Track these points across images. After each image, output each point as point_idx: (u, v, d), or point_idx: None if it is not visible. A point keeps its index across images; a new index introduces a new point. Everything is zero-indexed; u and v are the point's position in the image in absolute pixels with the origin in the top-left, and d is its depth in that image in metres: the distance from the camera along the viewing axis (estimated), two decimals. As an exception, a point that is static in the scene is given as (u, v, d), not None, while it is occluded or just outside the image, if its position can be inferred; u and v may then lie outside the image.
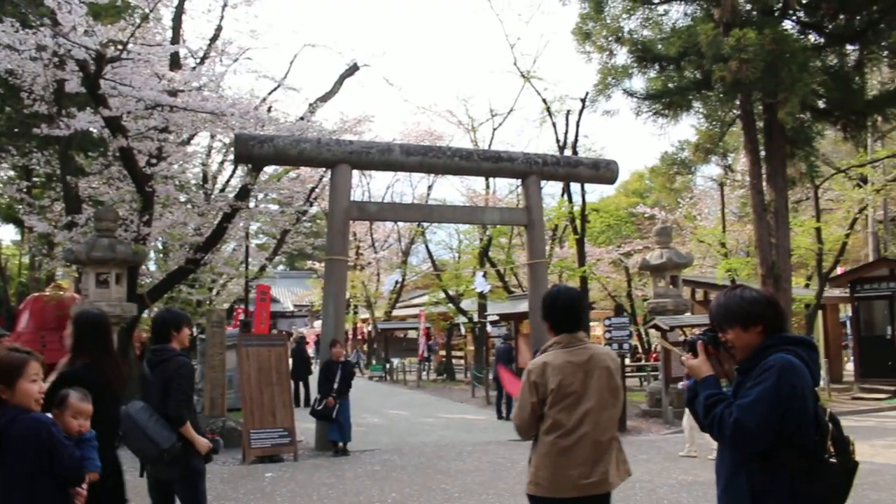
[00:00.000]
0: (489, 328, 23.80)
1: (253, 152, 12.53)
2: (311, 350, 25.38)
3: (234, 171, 19.48)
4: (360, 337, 39.35)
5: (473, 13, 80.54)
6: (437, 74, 79.64)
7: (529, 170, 14.13)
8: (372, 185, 30.76)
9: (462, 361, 30.98)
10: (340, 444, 11.70)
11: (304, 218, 21.67)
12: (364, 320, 37.32)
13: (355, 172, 22.46)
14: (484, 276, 21.77)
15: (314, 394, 12.55)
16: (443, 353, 30.53)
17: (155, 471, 5.09)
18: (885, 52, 14.87)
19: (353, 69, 17.50)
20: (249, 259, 20.05)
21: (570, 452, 3.92)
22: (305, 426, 12.87)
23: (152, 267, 19.62)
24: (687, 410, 11.13)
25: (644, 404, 16.12)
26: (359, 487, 9.22)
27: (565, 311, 4.05)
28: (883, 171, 24.39)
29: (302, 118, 14.99)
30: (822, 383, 17.83)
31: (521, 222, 15.02)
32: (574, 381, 3.95)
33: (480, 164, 14.15)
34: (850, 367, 22.49)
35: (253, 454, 10.97)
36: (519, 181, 15.72)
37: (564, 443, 3.93)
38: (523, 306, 15.69)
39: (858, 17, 14.67)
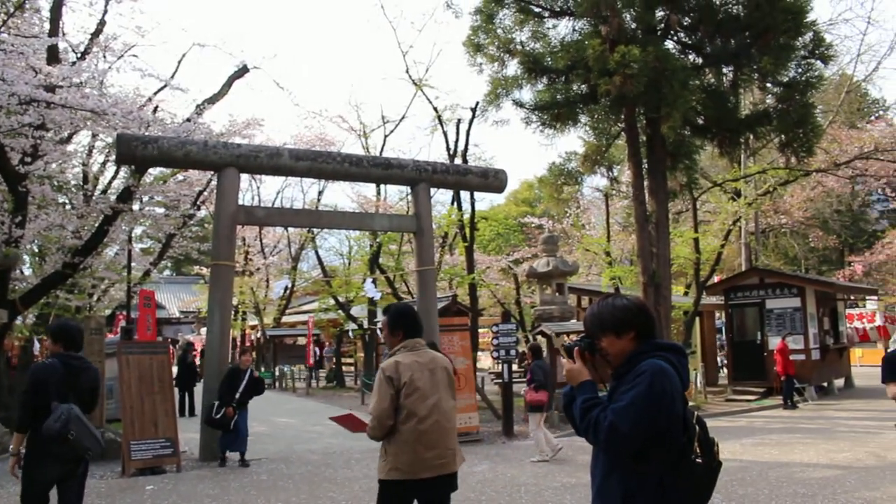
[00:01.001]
0: (379, 335, 23.75)
1: (136, 153, 12.10)
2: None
3: (116, 173, 18.75)
4: (248, 344, 38.54)
5: (366, 20, 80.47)
6: (330, 79, 79.14)
7: (419, 177, 14.20)
8: (262, 190, 30.29)
9: (352, 368, 30.82)
10: (239, 455, 11.30)
11: (191, 222, 21.01)
12: (253, 327, 36.60)
13: (245, 176, 22.08)
14: (374, 282, 21.73)
15: (199, 402, 12.21)
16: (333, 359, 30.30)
17: (77, 469, 5.46)
18: (756, 75, 15.71)
19: (243, 71, 17.18)
20: (133, 264, 19.32)
21: (426, 438, 4.59)
22: (190, 436, 12.50)
23: (27, 271, 18.65)
24: (531, 417, 11.45)
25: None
26: (244, 498, 9.02)
27: (414, 321, 4.91)
28: (754, 186, 25.71)
29: (189, 120, 14.58)
30: (698, 386, 18.66)
31: (410, 229, 15.05)
32: (422, 377, 4.68)
33: (370, 171, 14.13)
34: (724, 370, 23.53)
35: (133, 466, 10.55)
36: (409, 188, 15.77)
37: (421, 428, 4.58)
38: (413, 313, 15.74)
39: (733, 41, 15.46)
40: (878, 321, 29.32)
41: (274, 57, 48.81)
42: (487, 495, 8.95)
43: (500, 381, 15.23)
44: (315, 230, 27.00)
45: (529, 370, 12.12)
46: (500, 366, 14.47)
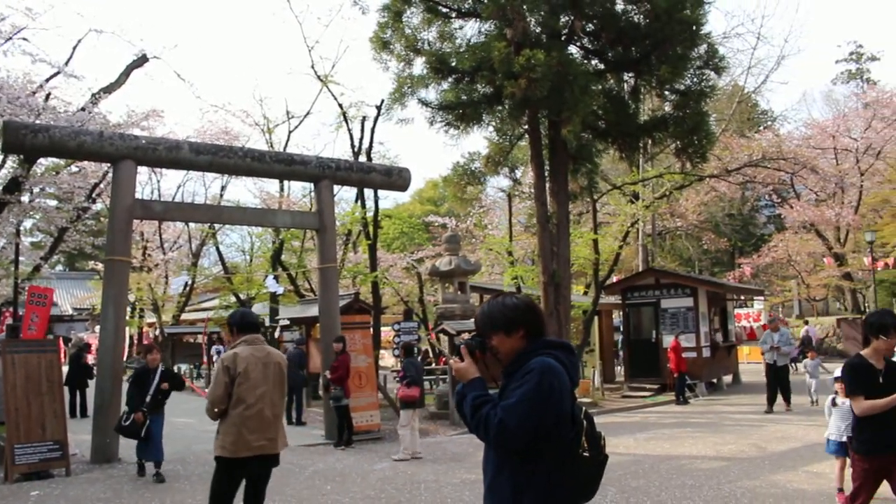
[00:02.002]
0: (277, 332, 23.43)
1: (25, 142, 11.56)
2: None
3: (3, 162, 17.91)
4: (145, 342, 37.40)
5: (272, 14, 79.18)
6: (234, 73, 77.56)
7: (322, 174, 14.09)
8: (162, 184, 29.34)
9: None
10: (153, 464, 10.08)
11: (85, 215, 20.24)
12: (151, 324, 35.54)
13: (144, 169, 21.44)
14: (276, 279, 21.45)
15: (91, 403, 11.68)
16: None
17: None
18: (655, 82, 16.23)
19: (142, 60, 16.70)
20: (21, 258, 18.47)
21: (250, 422, 5.38)
22: (82, 438, 12.06)
23: None
24: (403, 413, 11.57)
25: (432, 407, 16.54)
26: (137, 501, 8.78)
27: (252, 321, 5.76)
28: (652, 190, 26.61)
29: (84, 109, 14.10)
30: (596, 383, 19.17)
31: (312, 226, 14.90)
32: (256, 369, 5.42)
33: (273, 167, 13.92)
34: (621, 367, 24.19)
35: (17, 471, 10.05)
36: (312, 185, 15.60)
37: (247, 413, 5.37)
38: (314, 310, 15.59)
39: (634, 49, 15.92)
40: (764, 320, 30.69)
41: (175, 47, 47.39)
42: (388, 493, 8.99)
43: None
44: (216, 226, 26.43)
45: (402, 367, 12.24)
46: (402, 363, 14.53)
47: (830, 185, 34.62)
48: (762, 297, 33.29)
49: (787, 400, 15.77)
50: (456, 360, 3.06)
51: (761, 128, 39.22)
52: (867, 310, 33.36)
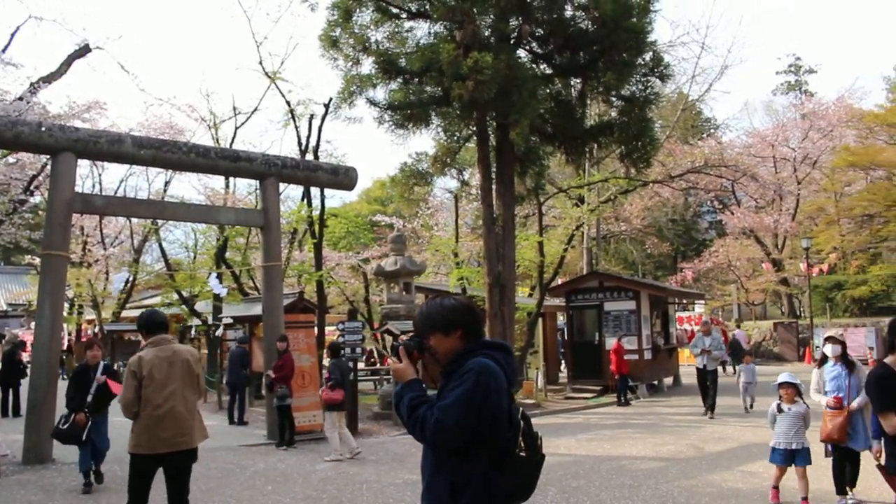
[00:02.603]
0: (220, 331, 23.11)
1: (-43, 132, 11.25)
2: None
3: (-66, 152, 17.39)
4: (83, 339, 36.54)
5: (220, 8, 78.08)
6: (180, 66, 76.29)
7: (268, 171, 13.95)
8: (105, 177, 28.74)
9: (196, 365, 29.81)
10: (93, 471, 9.32)
11: (22, 208, 19.71)
12: (90, 321, 34.74)
13: (85, 162, 20.97)
14: (219, 277, 21.15)
15: (25, 401, 11.30)
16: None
17: None
18: (601, 88, 16.44)
19: (85, 50, 16.35)
20: (-48, 252, 17.98)
21: (163, 421, 5.59)
22: (14, 437, 11.72)
23: None
24: (328, 416, 11.53)
25: (376, 407, 16.50)
26: (72, 503, 8.59)
27: (159, 321, 5.91)
28: (597, 194, 26.96)
29: (21, 98, 13.73)
30: (539, 384, 19.32)
31: (257, 224, 14.74)
32: (161, 370, 5.62)
33: (218, 163, 13.74)
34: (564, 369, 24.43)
35: (-56, 471, 9.75)
36: (258, 182, 15.43)
37: (157, 413, 5.58)
38: (258, 309, 15.43)
39: (581, 54, 16.12)
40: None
41: (120, 38, 46.49)
42: (329, 493, 8.95)
43: (347, 378, 15.20)
44: (159, 222, 25.95)
45: (328, 368, 12.16)
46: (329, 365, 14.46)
47: (769, 192, 35.57)
48: (703, 301, 33.96)
49: (711, 407, 15.30)
50: (394, 361, 3.08)
51: (704, 135, 40.09)
52: (802, 314, 34.32)
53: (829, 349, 7.71)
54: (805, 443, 7.58)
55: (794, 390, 7.76)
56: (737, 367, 19.41)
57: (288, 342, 12.69)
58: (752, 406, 15.86)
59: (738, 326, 31.54)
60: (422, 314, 3.15)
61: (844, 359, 7.64)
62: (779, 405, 7.79)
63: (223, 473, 10.23)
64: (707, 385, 15.60)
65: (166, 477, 5.81)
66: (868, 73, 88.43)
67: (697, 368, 15.85)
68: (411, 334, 3.16)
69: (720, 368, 19.75)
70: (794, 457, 7.59)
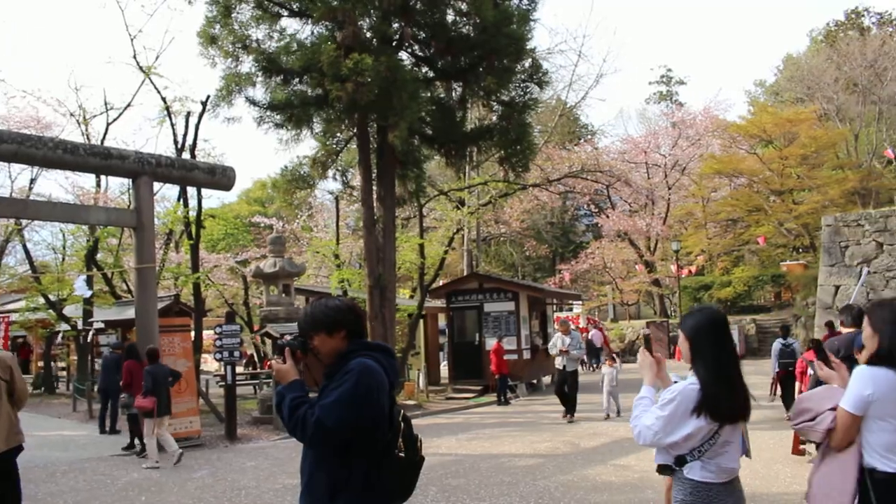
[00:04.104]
0: (90, 336, 22.14)
1: None
2: None
3: None
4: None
5: (92, -3, 74.62)
6: (46, 57, 72.50)
7: (141, 170, 13.45)
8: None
9: (65, 373, 28.41)
10: None
11: None
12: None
13: (-64, 158, 19.59)
14: (87, 280, 20.23)
15: None
16: (41, 363, 27.74)
17: None
18: (482, 92, 16.72)
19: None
20: None
21: None
22: None
23: None
24: (146, 423, 11.24)
25: (256, 412, 16.18)
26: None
27: None
28: (477, 197, 27.37)
29: None
30: (421, 385, 19.44)
31: (129, 224, 14.19)
32: None
33: (88, 160, 13.13)
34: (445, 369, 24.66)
35: None
36: (131, 181, 14.85)
37: None
38: (131, 312, 14.87)
39: (463, 58, 16.34)
40: (582, 323, 32.26)
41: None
42: (206, 501, 8.74)
43: (224, 383, 14.84)
44: (23, 221, 24.58)
45: (143, 375, 11.75)
46: (224, 367, 14.09)
47: (642, 197, 37.06)
48: (580, 302, 35.04)
49: (571, 410, 14.68)
50: (277, 361, 3.07)
51: (581, 141, 41.31)
52: (673, 314, 35.89)
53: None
54: None
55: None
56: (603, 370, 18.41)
57: (131, 350, 12.47)
58: (619, 413, 14.76)
59: (597, 327, 31.26)
60: (306, 314, 3.15)
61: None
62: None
63: (92, 486, 9.80)
64: (565, 389, 14.82)
65: None
66: (731, 86, 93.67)
67: (557, 370, 15.05)
68: (295, 335, 3.15)
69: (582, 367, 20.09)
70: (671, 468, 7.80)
